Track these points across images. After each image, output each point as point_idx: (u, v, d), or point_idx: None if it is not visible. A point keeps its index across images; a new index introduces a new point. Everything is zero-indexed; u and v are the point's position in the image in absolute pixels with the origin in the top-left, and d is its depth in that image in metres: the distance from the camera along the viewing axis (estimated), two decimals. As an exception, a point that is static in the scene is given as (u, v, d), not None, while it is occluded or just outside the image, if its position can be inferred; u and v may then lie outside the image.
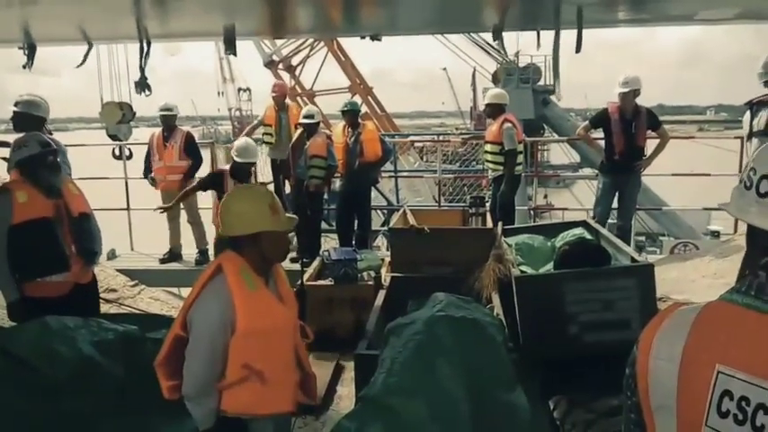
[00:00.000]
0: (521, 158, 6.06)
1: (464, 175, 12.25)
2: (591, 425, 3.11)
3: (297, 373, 2.34)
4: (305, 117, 6.25)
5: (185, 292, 6.12)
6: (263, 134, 7.04)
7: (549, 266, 4.16)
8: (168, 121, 6.43)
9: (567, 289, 3.48)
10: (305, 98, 18.86)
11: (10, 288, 3.22)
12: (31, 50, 3.90)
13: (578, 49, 3.91)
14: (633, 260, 3.82)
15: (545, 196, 17.16)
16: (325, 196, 8.27)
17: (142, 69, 4.23)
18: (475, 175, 11.75)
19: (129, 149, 7.15)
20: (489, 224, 5.06)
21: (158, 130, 6.48)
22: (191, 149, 6.40)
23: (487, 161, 6.20)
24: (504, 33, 4.10)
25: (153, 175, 6.42)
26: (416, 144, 16.01)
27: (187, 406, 2.15)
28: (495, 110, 6.10)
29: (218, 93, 37.41)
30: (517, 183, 6.09)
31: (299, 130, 6.31)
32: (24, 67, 3.95)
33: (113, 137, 6.55)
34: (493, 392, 2.26)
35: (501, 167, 5.95)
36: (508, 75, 16.96)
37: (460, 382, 2.18)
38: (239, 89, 37.25)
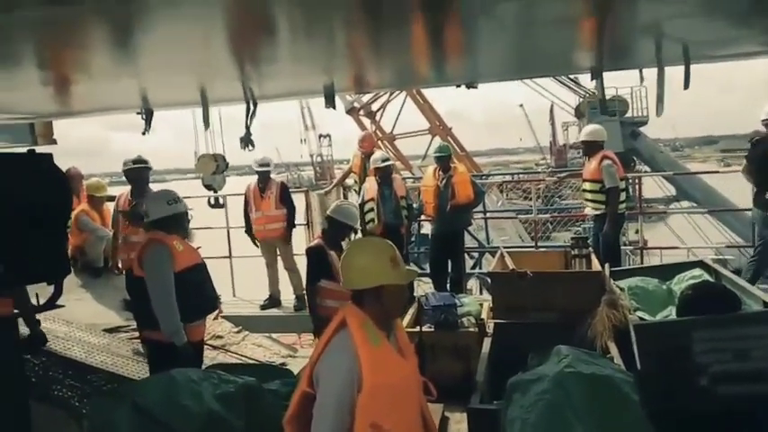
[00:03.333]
0: (623, 196, 5.82)
1: (558, 215, 11.85)
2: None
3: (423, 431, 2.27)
4: (382, 161, 6.38)
5: (286, 337, 6.27)
6: (351, 188, 7.42)
7: (667, 312, 3.91)
8: (265, 176, 6.67)
9: (696, 337, 3.23)
10: (386, 142, 19.21)
11: (181, 332, 3.48)
12: (148, 116, 4.19)
13: (687, 86, 3.74)
14: (766, 304, 3.51)
15: (636, 231, 16.34)
16: (413, 238, 8.31)
17: (248, 127, 4.44)
18: (569, 214, 11.34)
19: (224, 198, 7.50)
20: (595, 266, 4.84)
21: (253, 183, 6.69)
22: (285, 197, 6.62)
23: (587, 200, 6.00)
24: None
25: (254, 228, 6.59)
26: (497, 183, 15.79)
27: (317, 463, 2.12)
28: (592, 147, 5.94)
29: (301, 140, 38.97)
30: (621, 221, 5.85)
31: (368, 182, 6.45)
32: (143, 133, 4.24)
33: (208, 187, 6.89)
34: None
35: (602, 206, 5.73)
36: (593, 108, 16.53)
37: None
38: (320, 135, 38.62)
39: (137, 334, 5.51)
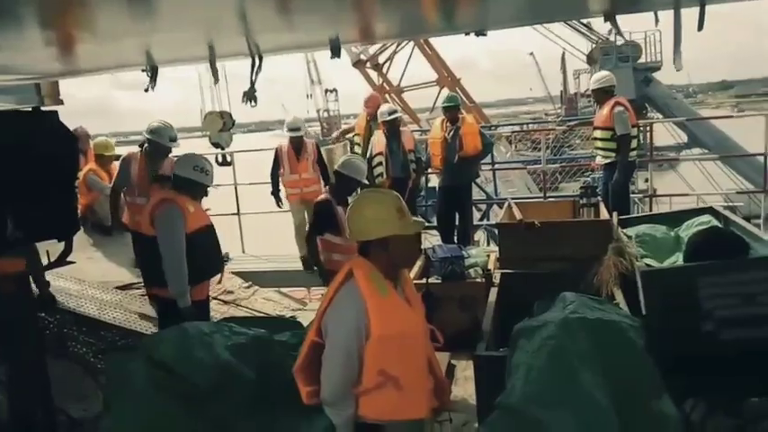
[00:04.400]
0: (634, 143, 5.74)
1: (567, 165, 11.71)
2: (740, 430, 2.88)
3: (430, 380, 2.32)
4: (389, 114, 6.29)
5: (295, 292, 6.35)
6: (354, 143, 7.21)
7: (675, 258, 3.90)
8: (299, 139, 6.43)
9: (702, 283, 3.21)
10: (393, 95, 18.94)
11: (186, 295, 3.59)
12: (153, 72, 4.14)
13: (700, 27, 3.61)
14: (775, 249, 3.49)
15: (645, 180, 16.20)
16: (422, 192, 8.29)
17: (252, 82, 4.37)
18: (578, 163, 11.21)
19: (232, 156, 7.48)
20: (603, 215, 4.82)
21: (285, 144, 6.47)
22: (320, 159, 6.51)
23: (597, 148, 5.92)
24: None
25: (284, 188, 6.46)
26: (505, 134, 15.60)
27: (326, 412, 2.18)
28: (603, 94, 5.82)
29: (307, 95, 38.50)
30: (632, 169, 5.79)
31: (377, 136, 6.39)
32: (146, 90, 4.20)
33: (216, 144, 6.86)
34: (640, 401, 2.13)
35: (612, 154, 5.66)
36: (605, 54, 16.14)
37: (605, 391, 2.07)
38: (326, 90, 38.13)
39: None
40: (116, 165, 7.03)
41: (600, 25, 16.17)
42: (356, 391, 2.14)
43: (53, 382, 3.60)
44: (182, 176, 3.80)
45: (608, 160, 5.77)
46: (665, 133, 15.96)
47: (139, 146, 5.37)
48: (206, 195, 3.97)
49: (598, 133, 5.86)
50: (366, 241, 2.24)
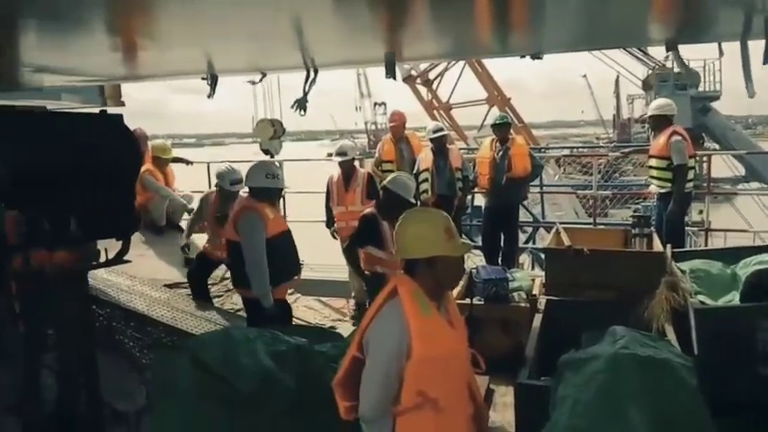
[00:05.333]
0: (691, 174, 5.57)
1: (620, 192, 11.42)
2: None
3: (470, 405, 2.28)
4: (435, 132, 6.26)
5: (335, 301, 6.37)
6: (383, 171, 6.46)
7: (730, 297, 3.74)
8: (348, 165, 5.91)
9: (760, 324, 3.09)
10: (442, 111, 18.95)
11: (269, 295, 3.88)
12: (213, 81, 4.29)
13: (766, 60, 3.50)
14: (842, 295, 3.30)
15: (700, 212, 15.66)
16: (468, 210, 8.22)
17: (305, 93, 4.48)
18: (631, 191, 10.93)
19: (281, 164, 7.60)
20: (657, 246, 4.68)
21: (336, 173, 5.99)
22: (372, 191, 5.81)
23: (652, 177, 5.76)
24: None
25: (335, 223, 6.02)
26: (555, 156, 15.36)
27: (363, 428, 2.17)
28: (660, 121, 5.68)
29: (356, 108, 38.93)
30: (688, 201, 5.60)
31: (424, 152, 6.28)
32: (209, 96, 4.36)
33: (266, 152, 6.99)
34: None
35: (668, 184, 5.49)
36: (662, 81, 15.75)
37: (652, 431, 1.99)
38: (375, 104, 38.44)
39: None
40: (172, 166, 7.29)
41: (657, 51, 15.79)
42: (394, 410, 2.12)
43: (101, 374, 3.71)
44: (256, 187, 4.07)
45: (663, 190, 5.61)
46: (721, 165, 15.42)
47: (215, 185, 5.52)
48: (282, 196, 4.17)
49: (654, 162, 5.71)
50: (412, 260, 2.23)
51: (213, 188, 5.50)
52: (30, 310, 3.27)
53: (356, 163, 6.17)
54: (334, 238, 6.17)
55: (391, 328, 2.14)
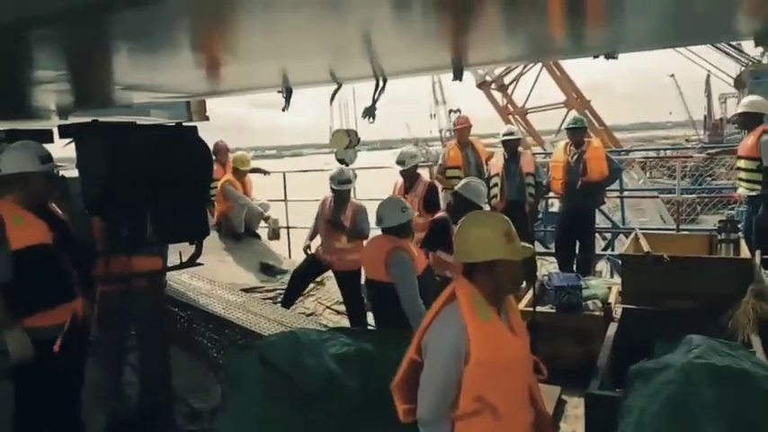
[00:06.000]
0: (784, 176, 5.17)
1: (707, 196, 10.73)
2: None
3: (531, 412, 2.23)
4: (506, 135, 6.15)
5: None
6: (448, 178, 6.37)
7: (828, 308, 3.45)
8: (410, 173, 5.79)
9: None
10: (517, 116, 18.61)
11: None
12: (288, 94, 4.44)
13: None
14: None
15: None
16: (540, 216, 8.01)
17: (374, 100, 4.54)
18: (720, 195, 10.26)
19: (355, 172, 7.73)
20: (744, 253, 4.37)
21: (401, 181, 5.91)
22: (431, 201, 5.70)
23: (740, 179, 5.40)
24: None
25: None
26: (638, 159, 14.65)
27: (421, 431, 2.17)
28: (750, 120, 5.32)
29: (431, 115, 38.89)
30: (780, 204, 5.19)
31: (496, 156, 6.15)
32: (284, 110, 4.51)
33: (341, 161, 7.13)
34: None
35: (758, 186, 5.13)
36: (756, 78, 14.68)
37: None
38: (450, 111, 38.23)
39: (270, 294, 5.98)
40: (251, 177, 7.62)
41: (751, 46, 14.71)
42: (452, 415, 2.10)
43: (179, 373, 3.92)
44: (396, 225, 3.90)
45: (752, 193, 5.23)
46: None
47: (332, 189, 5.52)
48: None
49: (742, 163, 5.35)
50: (471, 263, 2.22)
51: (329, 193, 5.50)
52: (113, 312, 3.50)
53: (420, 170, 6.04)
54: None
55: (449, 331, 2.13)
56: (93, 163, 2.84)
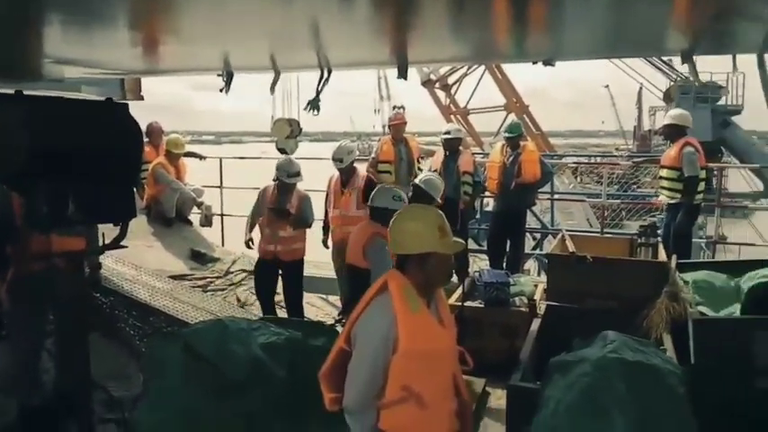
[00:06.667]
0: (702, 186, 5.51)
1: (631, 202, 11.29)
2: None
3: (454, 401, 2.28)
4: (446, 132, 6.26)
5: (339, 300, 6.38)
6: (379, 172, 6.25)
7: (732, 309, 3.70)
8: (347, 169, 5.64)
9: (758, 337, 3.07)
10: (459, 116, 18.93)
11: None
12: (228, 77, 4.35)
13: None
14: None
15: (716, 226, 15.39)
16: (477, 215, 8.20)
17: (318, 92, 4.51)
18: (643, 201, 10.83)
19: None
20: (662, 256, 4.63)
21: (336, 174, 5.76)
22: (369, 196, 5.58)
23: (663, 187, 5.71)
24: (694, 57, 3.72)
25: (330, 228, 5.76)
26: (570, 165, 15.25)
27: (347, 419, 2.18)
28: (675, 131, 5.64)
29: (375, 110, 39.01)
30: (696, 212, 5.55)
31: (437, 153, 6.24)
32: (221, 90, 4.42)
33: (282, 150, 7.04)
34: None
35: (678, 195, 5.45)
36: (683, 93, 15.56)
37: (635, 435, 1.98)
38: (394, 107, 38.41)
39: (200, 282, 5.84)
40: (184, 160, 7.39)
41: (680, 62, 15.56)
42: (378, 403, 2.13)
43: (100, 360, 3.76)
44: (381, 207, 3.90)
45: (673, 201, 5.56)
46: (739, 180, 15.20)
47: (273, 180, 5.35)
48: None
49: (665, 172, 5.67)
50: (404, 255, 2.24)
51: (271, 181, 5.34)
52: (30, 293, 3.32)
53: (358, 164, 5.93)
54: (326, 246, 5.87)
55: (379, 321, 2.15)
56: (15, 135, 2.69)
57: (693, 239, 6.64)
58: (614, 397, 2.12)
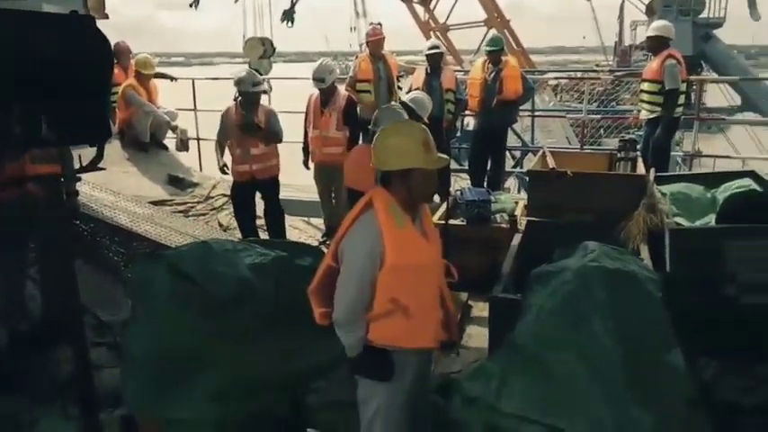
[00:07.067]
0: (682, 99, 5.50)
1: (610, 117, 11.28)
2: (749, 391, 2.87)
3: (440, 311, 2.36)
4: (431, 48, 6.09)
5: (320, 222, 6.41)
6: (357, 92, 6.05)
7: (707, 219, 3.80)
8: (328, 90, 5.43)
9: (728, 245, 3.17)
10: (438, 33, 18.38)
11: None
12: (198, -10, 4.12)
13: None
14: (814, 217, 3.36)
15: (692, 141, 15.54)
16: (458, 134, 8.15)
17: (293, 3, 4.31)
18: (623, 116, 10.83)
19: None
20: (640, 170, 4.69)
21: (315, 94, 5.54)
22: (350, 116, 5.49)
23: (643, 101, 5.69)
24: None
25: (310, 149, 5.63)
26: (550, 81, 15.08)
27: (337, 332, 2.25)
28: (657, 44, 5.55)
29: (351, 28, 37.61)
30: (675, 126, 5.57)
31: (417, 71, 6.08)
32: (191, 5, 4.20)
33: (255, 71, 6.81)
34: (650, 353, 2.13)
35: (658, 109, 5.44)
36: (666, 6, 15.24)
37: (615, 340, 2.07)
38: (371, 24, 37.06)
39: (181, 208, 5.79)
40: (155, 82, 7.13)
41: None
42: (368, 316, 2.19)
43: (86, 287, 3.76)
44: None
45: (652, 115, 5.55)
46: (718, 94, 15.25)
47: (234, 99, 5.11)
48: None
49: (645, 86, 5.63)
50: (388, 172, 2.24)
51: (231, 101, 5.12)
52: (7, 220, 3.27)
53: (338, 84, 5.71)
54: (306, 167, 5.75)
55: (365, 236, 2.18)
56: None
57: (671, 154, 6.72)
58: (595, 303, 2.20)
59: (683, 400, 2.08)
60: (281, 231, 5.23)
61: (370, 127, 4.03)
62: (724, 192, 3.98)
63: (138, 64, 6.82)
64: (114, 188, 5.18)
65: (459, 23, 19.27)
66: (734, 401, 2.59)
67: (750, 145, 13.12)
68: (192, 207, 5.86)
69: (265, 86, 5.04)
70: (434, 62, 6.03)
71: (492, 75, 6.04)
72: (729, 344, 2.98)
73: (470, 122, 8.01)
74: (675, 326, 2.62)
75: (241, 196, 5.15)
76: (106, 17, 6.73)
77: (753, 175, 4.28)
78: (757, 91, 13.62)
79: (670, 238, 3.33)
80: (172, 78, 7.58)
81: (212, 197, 6.17)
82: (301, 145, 5.78)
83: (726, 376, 2.98)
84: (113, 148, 6.35)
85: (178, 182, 6.34)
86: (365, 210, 2.25)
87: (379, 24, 6.96)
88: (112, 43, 7.33)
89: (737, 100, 14.83)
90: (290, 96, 8.45)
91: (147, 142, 6.78)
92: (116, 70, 6.79)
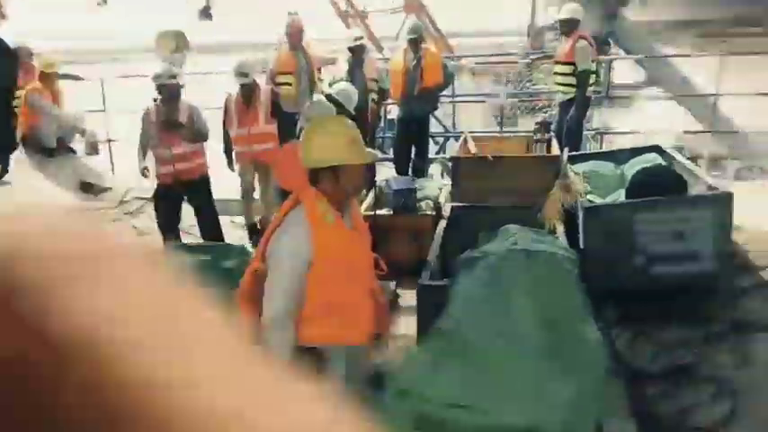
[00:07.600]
0: (593, 78, 5.74)
1: (528, 99, 11.60)
2: (656, 356, 3.08)
3: (371, 305, 2.37)
4: (356, 38, 6.08)
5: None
6: (278, 84, 5.82)
7: (618, 195, 4.03)
8: (247, 89, 5.15)
9: (637, 219, 3.38)
10: (357, 19, 18.30)
11: None
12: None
13: None
14: (710, 188, 3.64)
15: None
16: (382, 123, 8.18)
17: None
18: (537, 98, 11.19)
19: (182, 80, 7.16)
20: (555, 151, 4.89)
21: (235, 92, 5.26)
22: (277, 109, 5.26)
23: (557, 83, 5.88)
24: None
25: (234, 150, 5.35)
26: (468, 66, 15.32)
27: (265, 335, 2.21)
28: (570, 26, 5.72)
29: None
30: (587, 105, 5.80)
31: (338, 62, 6.08)
32: (99, 4, 3.97)
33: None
34: (568, 328, 2.24)
35: (573, 90, 5.63)
36: (579, -12, 15.77)
37: (536, 320, 2.17)
38: (288, 13, 36.38)
39: (93, 214, 5.51)
40: (62, 85, 6.72)
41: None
42: (298, 317, 2.17)
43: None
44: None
45: (568, 96, 5.73)
46: (626, 71, 16.01)
47: (153, 99, 4.81)
48: None
49: (558, 68, 5.80)
50: (317, 169, 2.22)
51: (151, 101, 4.81)
52: None
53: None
54: (231, 169, 5.43)
55: (294, 235, 2.15)
56: None
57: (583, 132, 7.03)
58: (516, 284, 2.29)
59: (599, 371, 2.21)
60: (217, 234, 4.95)
61: (298, 123, 3.99)
62: (631, 168, 4.23)
63: (41, 65, 6.41)
64: (21, 199, 4.86)
65: (376, 10, 19.25)
66: (644, 367, 2.77)
67: (658, 117, 13.85)
68: (105, 213, 5.59)
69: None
70: (358, 53, 6.00)
71: (414, 63, 6.07)
72: (640, 313, 3.20)
73: (393, 111, 8.06)
74: (591, 299, 2.78)
75: (164, 199, 4.85)
76: (3, 17, 6.31)
77: (657, 149, 4.56)
78: (657, 66, 14.40)
79: (583, 216, 3.51)
80: (77, 78, 7.18)
81: (126, 201, 5.90)
82: (222, 148, 5.49)
83: (637, 343, 3.20)
84: (17, 156, 5.95)
85: (89, 187, 6.02)
86: (293, 208, 2.23)
87: (296, 13, 6.81)
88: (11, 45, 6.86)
89: (642, 76, 15.62)
90: (207, 89, 8.18)
91: (53, 148, 6.39)
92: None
